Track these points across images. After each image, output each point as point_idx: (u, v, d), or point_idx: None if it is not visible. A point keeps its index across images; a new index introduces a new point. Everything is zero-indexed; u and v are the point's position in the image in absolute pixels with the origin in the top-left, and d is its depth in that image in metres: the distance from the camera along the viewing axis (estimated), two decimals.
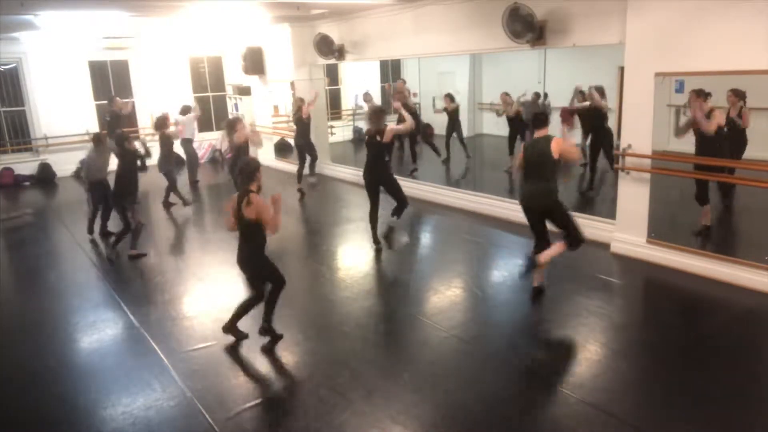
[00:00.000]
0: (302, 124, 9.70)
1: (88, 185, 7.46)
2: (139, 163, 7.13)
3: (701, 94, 5.86)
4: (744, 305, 5.05)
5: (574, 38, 6.43)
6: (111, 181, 7.03)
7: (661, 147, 5.97)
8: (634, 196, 6.08)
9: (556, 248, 5.10)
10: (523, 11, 6.44)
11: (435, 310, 5.16)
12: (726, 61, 5.06)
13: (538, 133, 5.06)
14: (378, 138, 6.15)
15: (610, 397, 3.78)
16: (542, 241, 5.19)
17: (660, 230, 5.98)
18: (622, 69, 6.33)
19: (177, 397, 3.92)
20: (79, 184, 10.87)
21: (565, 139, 5.14)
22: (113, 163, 6.96)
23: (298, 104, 9.82)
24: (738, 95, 6.09)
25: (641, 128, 5.85)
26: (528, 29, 6.51)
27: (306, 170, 10.05)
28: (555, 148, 4.90)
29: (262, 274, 4.62)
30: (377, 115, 6.34)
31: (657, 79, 5.62)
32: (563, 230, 5.11)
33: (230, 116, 13.84)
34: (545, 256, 5.07)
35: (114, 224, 7.36)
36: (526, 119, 9.68)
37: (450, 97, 11.00)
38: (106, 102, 11.65)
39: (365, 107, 12.05)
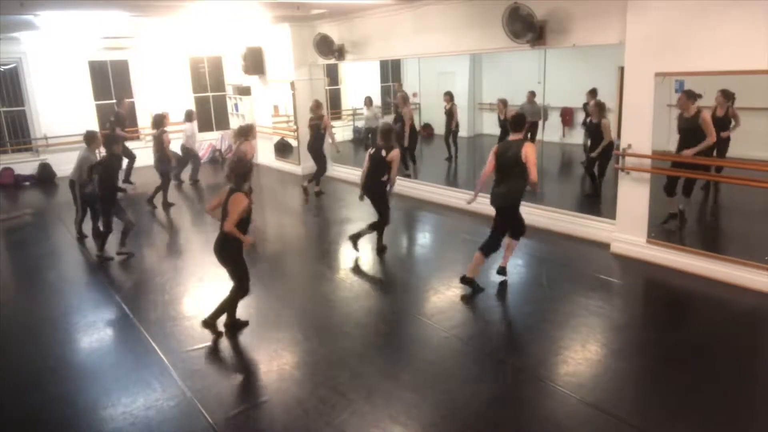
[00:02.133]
0: (318, 131, 9.16)
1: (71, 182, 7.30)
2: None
3: (691, 96, 5.92)
4: (744, 305, 5.06)
5: (574, 38, 6.43)
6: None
7: (661, 147, 5.97)
8: (634, 196, 6.08)
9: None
10: (523, 11, 6.44)
11: (435, 310, 5.16)
12: (726, 61, 5.06)
13: (513, 137, 5.12)
14: (383, 153, 6.10)
15: (610, 397, 3.78)
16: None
17: (660, 230, 5.98)
18: (622, 69, 6.34)
19: (177, 397, 3.92)
20: None
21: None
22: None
23: (320, 112, 9.18)
24: (726, 96, 6.24)
25: (641, 128, 5.85)
26: (528, 29, 6.51)
27: (304, 182, 9.68)
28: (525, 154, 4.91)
29: (233, 270, 4.71)
30: (386, 134, 6.25)
31: (657, 79, 5.62)
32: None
33: (230, 115, 13.88)
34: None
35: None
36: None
37: (449, 96, 11.01)
38: (114, 102, 11.66)
39: (365, 111, 12.07)
